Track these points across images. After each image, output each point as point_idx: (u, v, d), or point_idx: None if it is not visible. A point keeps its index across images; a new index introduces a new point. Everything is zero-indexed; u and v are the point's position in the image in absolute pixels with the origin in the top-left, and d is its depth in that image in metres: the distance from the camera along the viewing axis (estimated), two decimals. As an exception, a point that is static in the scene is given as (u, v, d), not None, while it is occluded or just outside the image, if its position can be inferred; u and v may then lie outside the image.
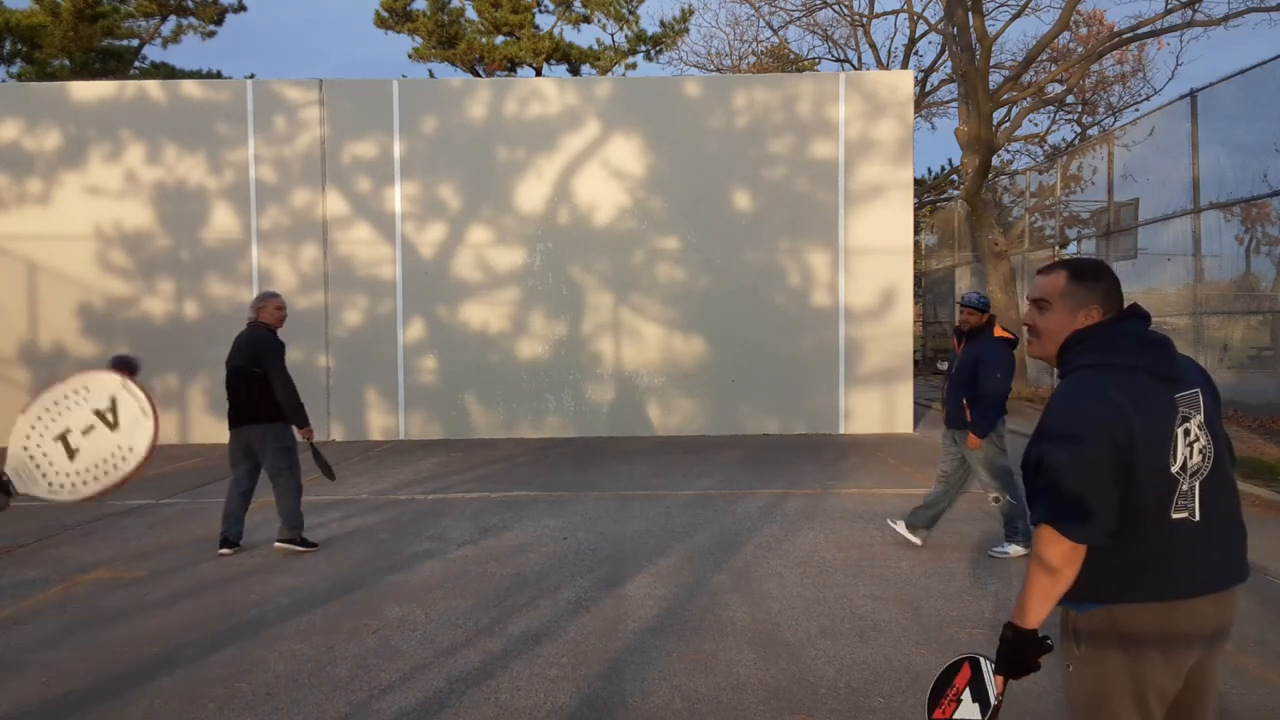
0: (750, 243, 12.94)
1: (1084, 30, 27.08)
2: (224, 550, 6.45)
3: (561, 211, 12.96)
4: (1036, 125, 30.87)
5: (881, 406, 12.94)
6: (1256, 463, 9.15)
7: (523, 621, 4.90)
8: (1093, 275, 2.31)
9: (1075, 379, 2.25)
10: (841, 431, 12.91)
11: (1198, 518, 2.21)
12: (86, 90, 12.98)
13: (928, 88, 27.82)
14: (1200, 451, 2.22)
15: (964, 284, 23.74)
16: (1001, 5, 24.73)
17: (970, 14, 17.74)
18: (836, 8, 27.98)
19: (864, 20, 28.00)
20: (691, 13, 27.60)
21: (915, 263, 23.03)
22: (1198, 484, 2.21)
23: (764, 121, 12.97)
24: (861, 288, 12.92)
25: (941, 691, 2.54)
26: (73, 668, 4.31)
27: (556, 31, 27.73)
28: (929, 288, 27.87)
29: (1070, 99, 27.89)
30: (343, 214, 12.91)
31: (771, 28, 29.11)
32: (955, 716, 2.50)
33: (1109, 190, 16.70)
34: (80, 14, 22.83)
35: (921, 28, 26.62)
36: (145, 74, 24.88)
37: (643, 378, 12.87)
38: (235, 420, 6.46)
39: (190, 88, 13.11)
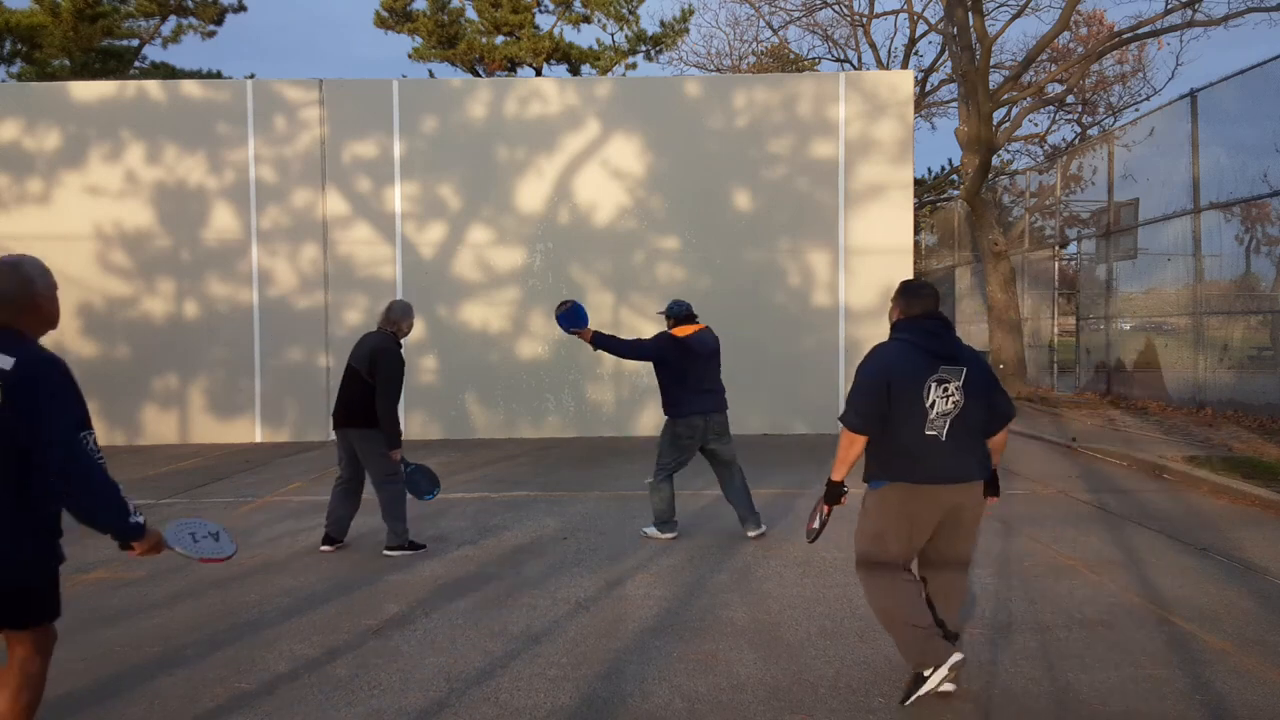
0: (750, 243, 12.94)
1: (1084, 30, 27.09)
2: (324, 547, 6.47)
3: (562, 211, 12.96)
4: (1036, 125, 30.88)
5: (881, 406, 12.93)
6: (1256, 463, 9.15)
7: (523, 621, 4.90)
8: (900, 292, 4.18)
9: (878, 345, 4.04)
10: (841, 431, 12.90)
11: (944, 439, 3.75)
12: (86, 90, 12.98)
13: (928, 88, 27.81)
14: (952, 402, 3.75)
15: (964, 284, 23.75)
16: (1001, 5, 24.71)
17: (970, 14, 17.75)
18: (836, 8, 27.98)
19: (864, 20, 27.99)
20: (691, 13, 27.59)
21: (915, 263, 23.04)
22: (948, 420, 3.75)
23: (764, 121, 12.97)
24: (861, 288, 12.92)
25: (811, 516, 4.30)
26: (73, 668, 4.31)
27: (556, 31, 27.73)
28: (929, 288, 27.82)
29: (1070, 99, 27.89)
30: (343, 214, 12.91)
31: (771, 28, 29.12)
32: (814, 526, 4.23)
33: (1109, 190, 16.70)
34: (80, 14, 22.82)
35: (921, 28, 26.62)
36: (145, 74, 24.88)
37: (643, 378, 12.86)
38: (339, 420, 6.42)
39: (190, 88, 13.11)
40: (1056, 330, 19.23)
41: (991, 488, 3.99)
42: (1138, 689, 3.92)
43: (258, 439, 12.81)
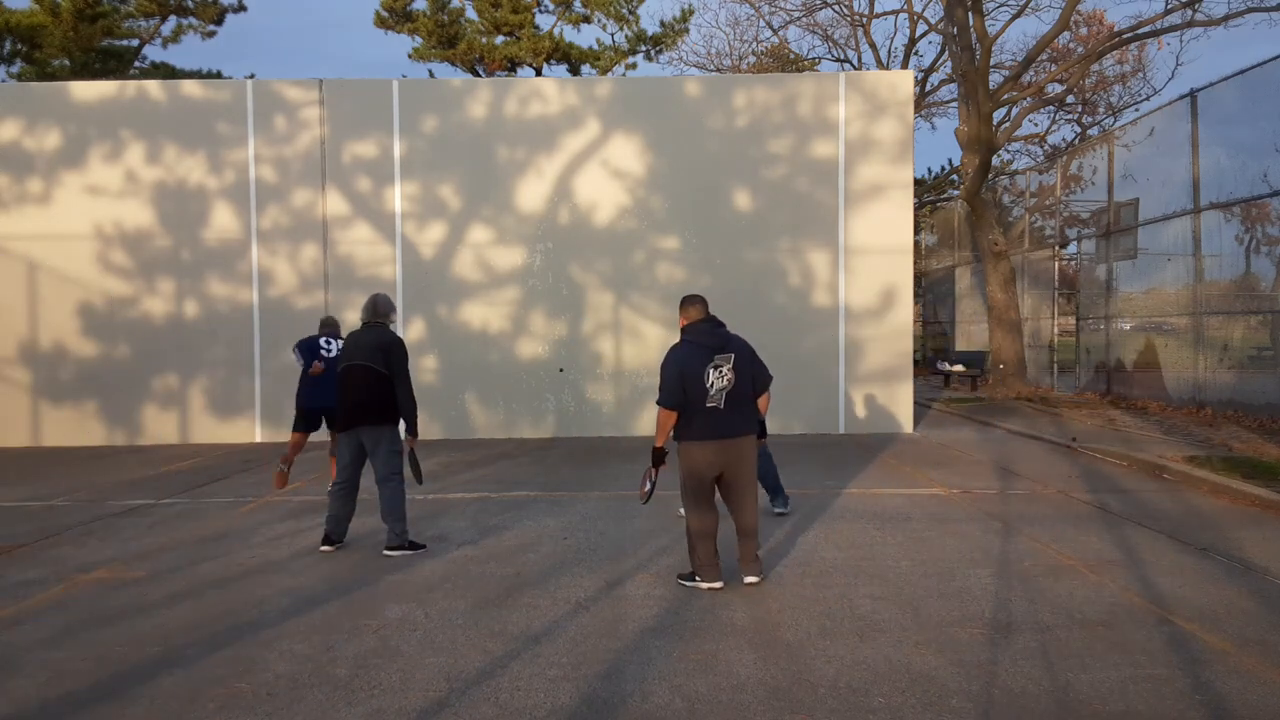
0: (750, 242, 12.94)
1: (1084, 30, 27.11)
2: (324, 547, 6.49)
3: (562, 211, 12.96)
4: (1036, 125, 30.93)
5: (881, 406, 12.94)
6: (1256, 463, 9.15)
7: (523, 621, 4.90)
8: (682, 304, 5.58)
9: (674, 345, 5.44)
10: (841, 431, 12.91)
11: (723, 407, 5.31)
12: (86, 90, 12.98)
13: (928, 88, 27.82)
14: (726, 380, 5.30)
15: (964, 284, 23.75)
16: (1001, 5, 24.74)
17: (970, 14, 17.75)
18: (836, 8, 28.00)
19: (864, 20, 28.01)
20: (691, 13, 27.61)
21: (915, 263, 23.05)
22: (724, 394, 5.29)
23: (764, 121, 12.97)
24: (861, 287, 12.92)
25: (642, 481, 5.73)
26: (73, 668, 4.31)
27: (556, 31, 27.74)
28: (929, 288, 27.88)
29: (1070, 99, 27.92)
30: (343, 214, 12.91)
31: (771, 28, 29.14)
32: (645, 489, 5.66)
33: (1109, 190, 16.70)
34: (80, 14, 22.83)
35: (921, 28, 26.64)
36: (145, 74, 24.89)
37: (643, 378, 12.88)
38: (352, 421, 6.40)
39: (190, 88, 13.11)
40: (1056, 330, 19.23)
41: (760, 433, 5.98)
42: (1138, 689, 3.92)
43: (258, 439, 12.81)
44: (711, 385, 5.27)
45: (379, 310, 6.57)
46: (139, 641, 4.66)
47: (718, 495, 5.51)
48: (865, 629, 4.70)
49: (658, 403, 5.36)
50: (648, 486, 5.61)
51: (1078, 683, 3.99)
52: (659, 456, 5.47)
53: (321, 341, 8.09)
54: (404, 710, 3.80)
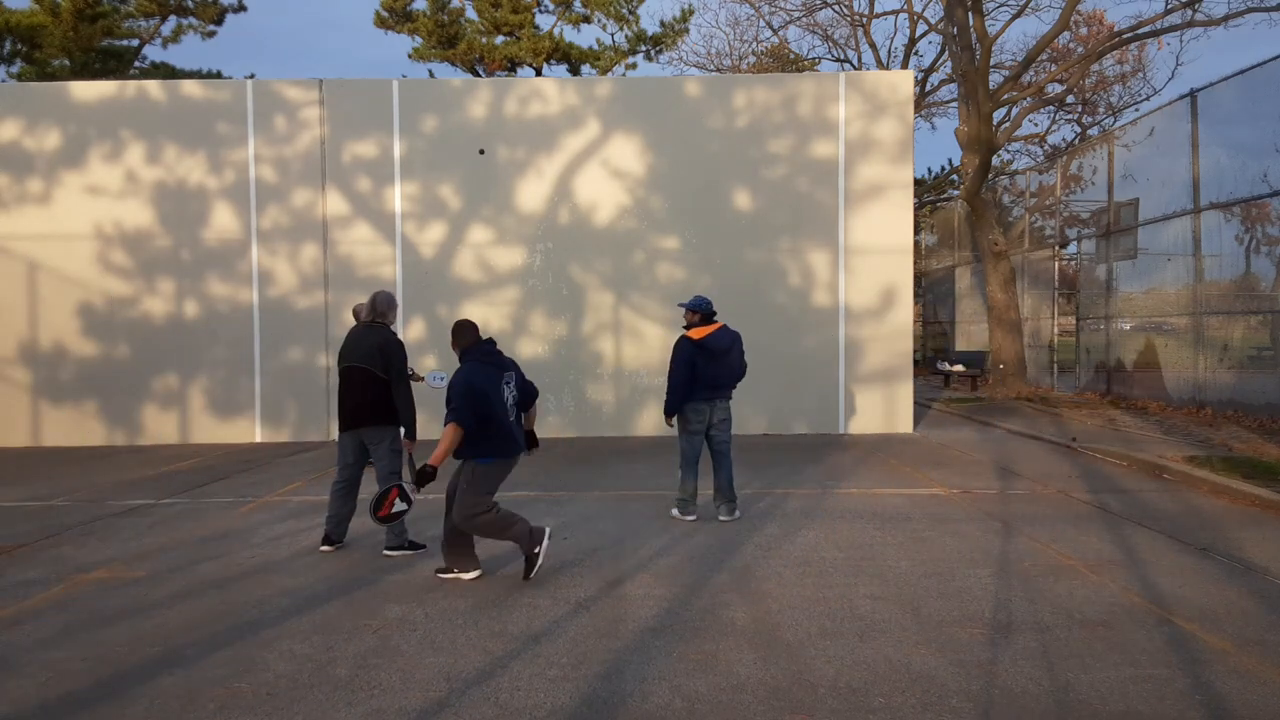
0: (750, 242, 12.94)
1: (1084, 30, 27.12)
2: (324, 547, 6.49)
3: (562, 211, 12.96)
4: (1036, 125, 30.95)
5: (881, 406, 12.95)
6: (1256, 463, 9.15)
7: (523, 621, 4.90)
8: (455, 330, 5.74)
9: (464, 366, 5.53)
10: (841, 431, 12.91)
11: (513, 420, 5.54)
12: (86, 90, 12.98)
13: (928, 88, 27.83)
14: (512, 398, 5.58)
15: (964, 284, 23.75)
16: (1001, 5, 24.75)
17: (970, 14, 17.75)
18: (836, 8, 28.01)
19: (864, 20, 28.02)
20: (691, 13, 27.61)
21: (915, 263, 23.04)
22: (515, 410, 5.58)
23: (764, 121, 12.97)
24: (861, 287, 12.92)
25: (380, 503, 5.69)
26: (73, 668, 4.31)
27: (556, 31, 27.74)
28: (929, 288, 27.88)
29: (1070, 99, 27.92)
30: (343, 214, 12.91)
31: (771, 28, 29.15)
32: (394, 510, 5.71)
33: (1109, 190, 16.70)
34: (80, 14, 22.83)
35: (921, 28, 26.65)
36: (145, 74, 24.89)
37: (643, 378, 12.88)
38: (353, 422, 6.40)
39: (190, 88, 13.11)
40: (1056, 330, 19.23)
41: (531, 442, 5.97)
42: (1138, 689, 3.92)
43: (258, 439, 12.81)
44: (504, 401, 5.49)
45: (378, 309, 6.55)
46: (139, 641, 4.66)
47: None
48: (865, 629, 4.70)
49: (452, 420, 5.33)
50: (401, 505, 5.73)
51: (1078, 683, 3.99)
52: (432, 474, 5.38)
53: None
54: (404, 710, 3.80)
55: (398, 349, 6.44)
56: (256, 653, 4.47)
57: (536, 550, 5.62)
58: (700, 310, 7.24)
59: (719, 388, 7.27)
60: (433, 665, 4.29)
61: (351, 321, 8.10)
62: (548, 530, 5.75)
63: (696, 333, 7.16)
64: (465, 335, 5.68)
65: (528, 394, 5.79)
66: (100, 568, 6.13)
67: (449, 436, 5.32)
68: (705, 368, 7.13)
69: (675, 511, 7.45)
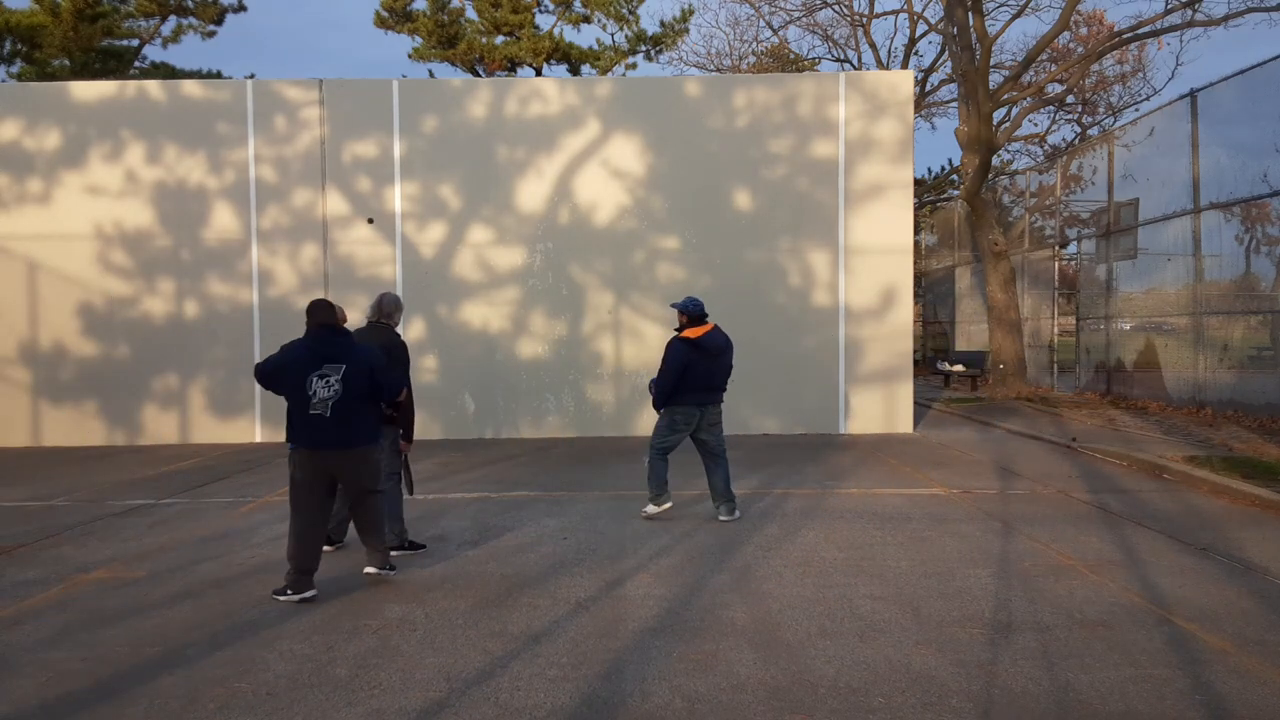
0: (750, 242, 12.94)
1: (1084, 30, 27.11)
2: (325, 547, 6.44)
3: (562, 211, 12.96)
4: (1036, 125, 30.95)
5: (881, 406, 12.94)
6: (1256, 463, 9.15)
7: (523, 621, 4.90)
8: (310, 308, 5.46)
9: (298, 340, 5.41)
10: (841, 431, 12.91)
11: (329, 416, 5.24)
12: (86, 90, 12.98)
13: (928, 88, 27.82)
14: (331, 391, 5.23)
15: (964, 284, 23.75)
16: (1001, 5, 24.74)
17: (970, 14, 17.75)
18: (836, 8, 28.01)
19: (864, 20, 28.02)
20: (691, 13, 27.61)
21: (915, 263, 23.03)
22: (330, 403, 5.23)
23: (764, 121, 12.97)
24: (861, 287, 12.92)
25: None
26: (73, 668, 4.31)
27: (556, 31, 27.74)
28: (929, 288, 27.88)
29: (1070, 99, 27.92)
30: (343, 214, 12.91)
31: (771, 28, 29.15)
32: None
33: (1109, 190, 16.70)
34: (80, 14, 22.83)
35: (921, 28, 26.65)
36: (145, 74, 24.89)
37: (643, 377, 12.87)
38: None
39: (190, 88, 13.11)
40: (1056, 330, 19.23)
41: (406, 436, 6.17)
42: (1138, 689, 3.92)
43: (258, 439, 12.81)
44: (313, 393, 5.22)
45: (384, 309, 6.54)
46: (139, 641, 4.66)
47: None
48: (865, 629, 4.70)
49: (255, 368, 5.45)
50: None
51: (1078, 683, 3.99)
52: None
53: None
54: (404, 710, 3.80)
55: (403, 350, 6.43)
56: (256, 653, 4.47)
57: (275, 591, 5.32)
58: (689, 312, 7.19)
59: (713, 389, 7.22)
60: (433, 665, 4.29)
61: (358, 322, 8.18)
62: (291, 592, 5.28)
63: (692, 332, 7.14)
64: (311, 315, 5.44)
65: (364, 388, 5.38)
66: (100, 568, 6.12)
67: None
68: (700, 368, 7.09)
69: (649, 509, 7.34)
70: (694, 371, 7.08)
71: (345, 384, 5.27)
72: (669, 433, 7.26)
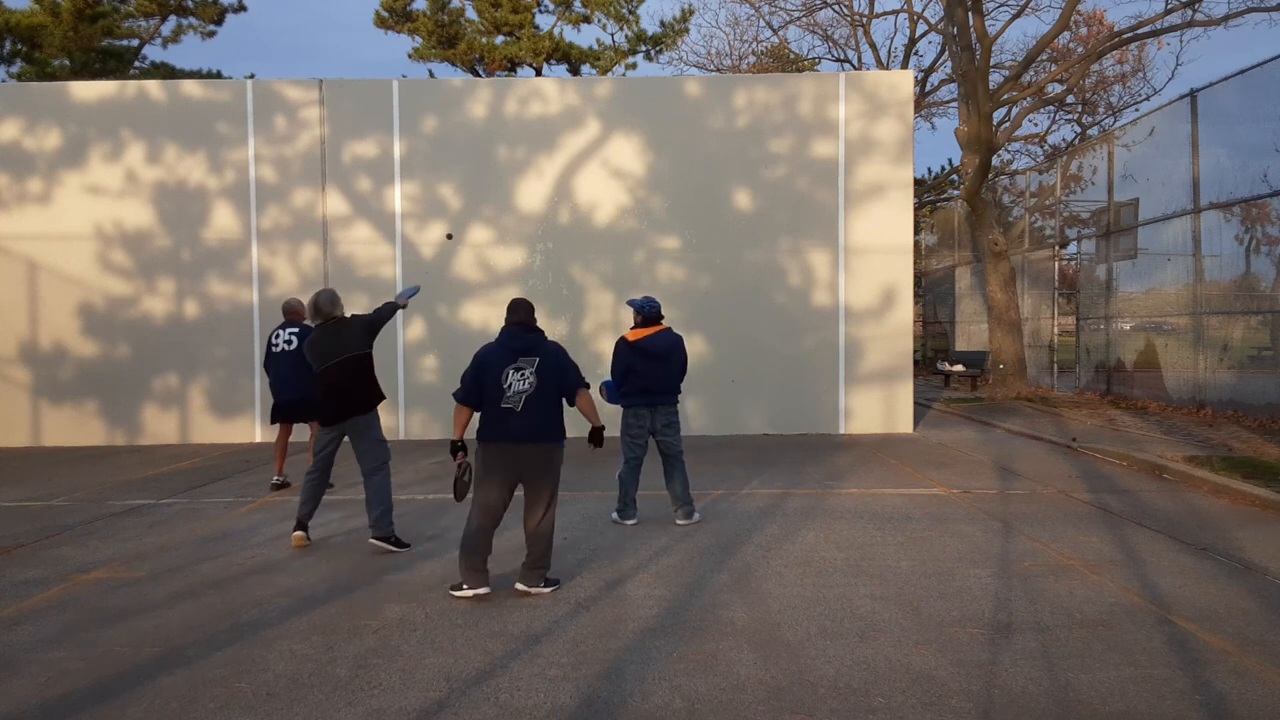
0: (750, 242, 12.94)
1: (1084, 30, 27.11)
2: (298, 533, 6.57)
3: (562, 211, 12.96)
4: (1036, 125, 30.94)
5: (881, 406, 12.94)
6: (1256, 463, 9.15)
7: (523, 621, 4.90)
8: (510, 306, 5.53)
9: (489, 343, 5.47)
10: (841, 431, 12.90)
11: (520, 409, 5.26)
12: (86, 90, 12.98)
13: (928, 88, 27.82)
14: (526, 384, 5.27)
15: (964, 284, 23.75)
16: (1001, 5, 24.75)
17: (970, 14, 17.74)
18: (836, 8, 28.01)
19: (864, 20, 28.02)
20: (691, 13, 27.62)
21: (915, 263, 23.03)
22: (522, 397, 5.25)
23: (764, 121, 12.96)
24: (861, 287, 12.92)
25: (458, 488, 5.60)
26: (73, 668, 4.31)
27: (556, 31, 27.74)
28: (929, 288, 27.88)
29: (1070, 99, 27.91)
30: (343, 214, 12.91)
31: (771, 28, 29.15)
32: (455, 486, 5.56)
33: (1109, 190, 16.70)
34: (80, 14, 22.83)
35: (921, 28, 26.65)
36: (145, 74, 24.89)
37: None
38: (340, 415, 6.45)
39: (190, 88, 13.11)
40: (1056, 330, 19.23)
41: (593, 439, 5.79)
42: (1138, 689, 3.92)
43: (258, 439, 12.81)
44: (507, 386, 5.25)
45: (321, 309, 6.58)
46: (139, 641, 4.66)
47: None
48: (865, 629, 4.70)
49: (456, 396, 5.40)
50: (456, 485, 5.56)
51: (1078, 683, 3.99)
52: (454, 449, 5.51)
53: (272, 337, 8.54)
54: (404, 710, 3.80)
55: (373, 318, 6.61)
56: (256, 653, 4.47)
57: (453, 588, 5.37)
58: (643, 312, 7.12)
59: (655, 392, 7.11)
60: (433, 665, 4.29)
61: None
62: (468, 589, 5.32)
63: (634, 334, 7.09)
64: (511, 313, 5.51)
65: (556, 384, 5.41)
66: (100, 568, 6.13)
67: (457, 410, 5.40)
68: (641, 370, 7.03)
69: (615, 516, 7.34)
70: (637, 372, 7.05)
71: (539, 376, 5.30)
72: (628, 438, 7.24)
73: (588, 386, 5.60)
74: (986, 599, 5.18)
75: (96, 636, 4.74)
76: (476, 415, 5.44)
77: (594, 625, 4.82)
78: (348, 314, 6.77)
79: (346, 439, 6.57)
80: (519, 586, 5.40)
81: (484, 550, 5.35)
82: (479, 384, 5.29)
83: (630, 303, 7.29)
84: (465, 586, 5.31)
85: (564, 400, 5.47)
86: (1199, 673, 4.09)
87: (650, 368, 7.05)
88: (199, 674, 4.21)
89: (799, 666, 4.21)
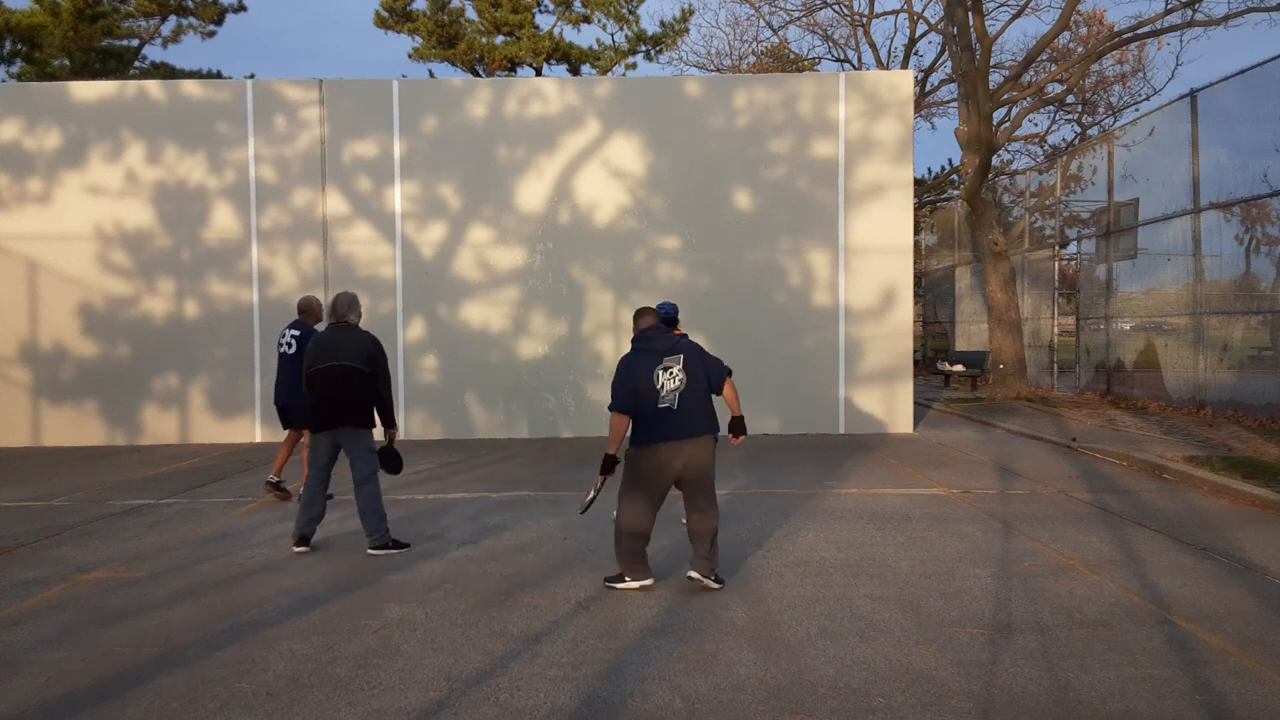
0: (750, 242, 12.94)
1: (1084, 30, 27.11)
2: (300, 548, 6.48)
3: (562, 211, 12.96)
4: (1036, 125, 30.93)
5: (881, 406, 12.94)
6: (1256, 463, 9.15)
7: (523, 621, 4.90)
8: (636, 315, 5.63)
9: (628, 353, 5.50)
10: (841, 431, 12.91)
11: (676, 407, 5.29)
12: (86, 90, 12.98)
13: (928, 88, 27.83)
14: (677, 381, 5.30)
15: (964, 284, 23.75)
16: (1001, 5, 24.74)
17: (970, 14, 17.74)
18: (836, 8, 28.01)
19: (864, 20, 28.02)
20: (691, 13, 27.62)
21: (915, 263, 23.03)
22: (676, 395, 5.29)
23: (764, 121, 12.97)
24: (861, 287, 12.92)
25: (588, 490, 5.63)
26: (73, 668, 4.31)
27: (556, 31, 27.74)
28: (929, 288, 27.88)
29: (1070, 99, 27.91)
30: (343, 214, 12.91)
31: (771, 28, 29.15)
32: (588, 499, 5.61)
33: (1109, 190, 16.70)
34: (80, 14, 22.83)
35: (921, 28, 26.65)
36: (145, 74, 24.89)
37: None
38: (333, 421, 6.40)
39: (190, 88, 13.11)
40: (1056, 330, 19.23)
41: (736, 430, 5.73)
42: (1138, 689, 3.92)
43: (258, 439, 12.81)
44: (660, 386, 5.29)
45: (339, 311, 6.55)
46: (139, 641, 4.66)
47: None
48: (865, 629, 4.70)
49: (611, 408, 5.42)
50: (591, 495, 5.57)
51: (1078, 683, 3.99)
52: (613, 463, 5.46)
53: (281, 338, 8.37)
54: (404, 710, 3.80)
55: (380, 349, 6.51)
56: (256, 653, 4.47)
57: (627, 581, 5.43)
58: (663, 316, 7.09)
59: None
60: (433, 665, 4.29)
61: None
62: (633, 581, 5.42)
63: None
64: (638, 320, 5.60)
65: (704, 378, 5.46)
66: (100, 568, 6.12)
67: (612, 422, 5.42)
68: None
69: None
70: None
71: (688, 372, 5.36)
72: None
73: (731, 373, 5.64)
74: (986, 599, 5.18)
75: (96, 636, 4.74)
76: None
77: (594, 625, 4.82)
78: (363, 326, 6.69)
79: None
80: (693, 575, 5.39)
81: (644, 544, 5.44)
82: (633, 391, 5.30)
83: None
84: (628, 578, 5.41)
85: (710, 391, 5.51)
86: (1199, 673, 4.09)
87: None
88: (199, 674, 4.21)
89: (799, 666, 4.21)
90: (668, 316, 7.05)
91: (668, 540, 6.70)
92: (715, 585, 5.38)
